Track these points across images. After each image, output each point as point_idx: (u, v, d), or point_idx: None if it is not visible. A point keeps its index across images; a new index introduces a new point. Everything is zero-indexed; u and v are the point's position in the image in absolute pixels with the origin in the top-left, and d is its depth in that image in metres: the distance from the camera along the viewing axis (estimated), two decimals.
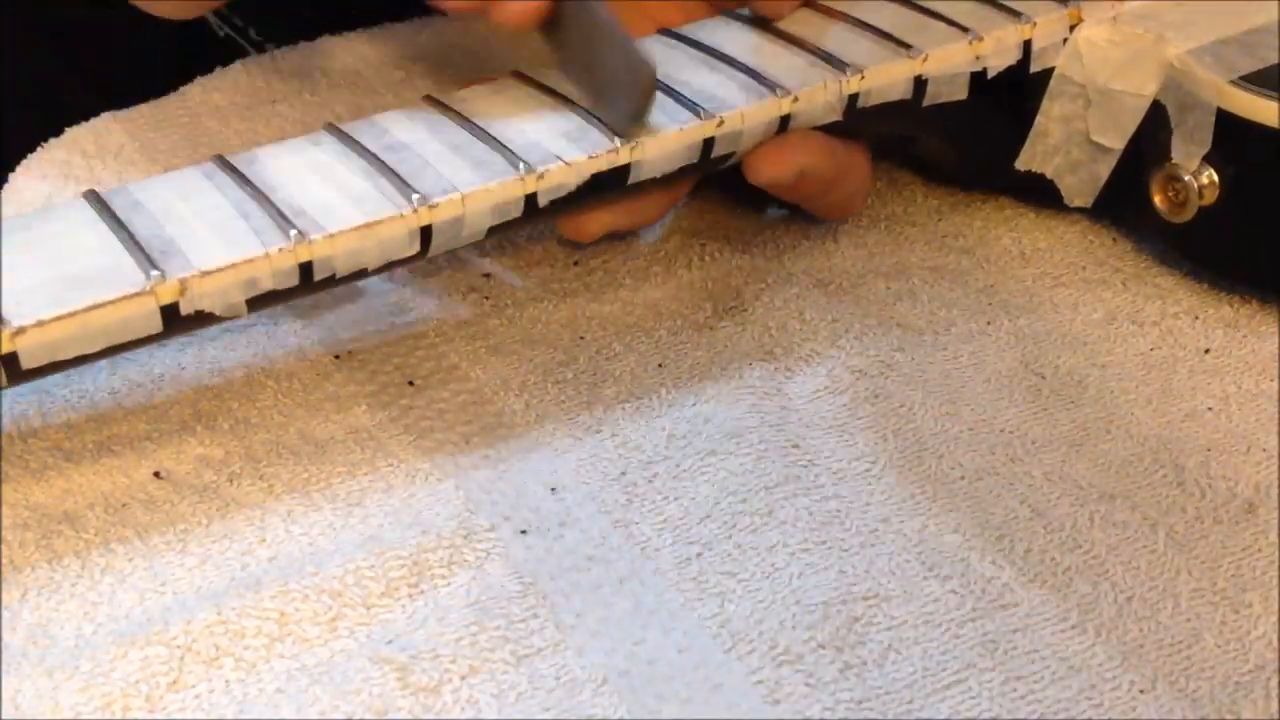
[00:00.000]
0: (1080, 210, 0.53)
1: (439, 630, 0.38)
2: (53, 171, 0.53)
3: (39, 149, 0.55)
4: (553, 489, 0.42)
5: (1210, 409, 0.45)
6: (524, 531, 0.41)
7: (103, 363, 0.44)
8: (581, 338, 0.47)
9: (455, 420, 0.44)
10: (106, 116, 0.56)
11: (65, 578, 0.39)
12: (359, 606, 0.38)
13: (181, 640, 0.37)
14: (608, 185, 0.44)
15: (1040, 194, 0.52)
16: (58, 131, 0.55)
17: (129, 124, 0.56)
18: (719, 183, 0.53)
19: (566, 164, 0.43)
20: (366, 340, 0.47)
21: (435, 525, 0.40)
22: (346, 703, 0.36)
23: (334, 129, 0.44)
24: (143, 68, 0.56)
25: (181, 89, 0.58)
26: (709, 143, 0.45)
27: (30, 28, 0.62)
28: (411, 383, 0.45)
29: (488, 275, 0.50)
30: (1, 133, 0.55)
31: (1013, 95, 0.51)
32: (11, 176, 0.54)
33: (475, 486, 0.42)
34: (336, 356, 0.46)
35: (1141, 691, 0.37)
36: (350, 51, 0.60)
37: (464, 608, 0.38)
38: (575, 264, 0.50)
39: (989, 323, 0.48)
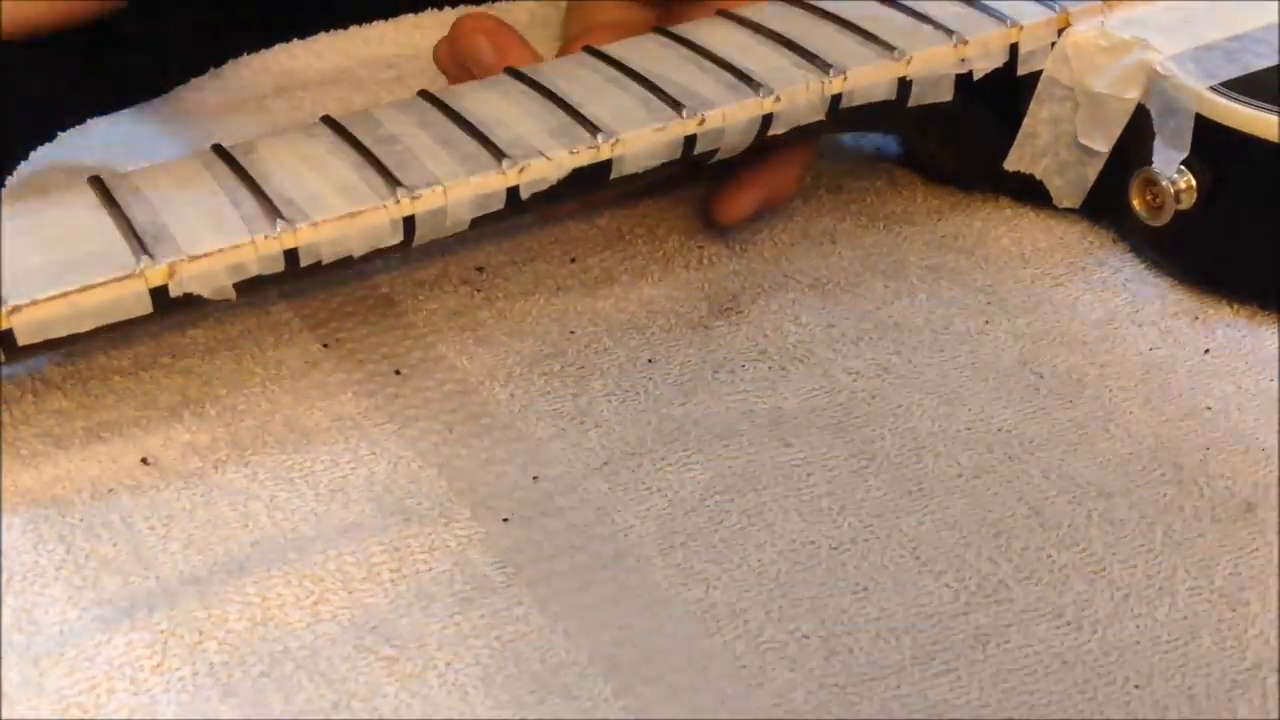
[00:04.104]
0: (1080, 211, 0.52)
1: (422, 618, 0.37)
2: (52, 171, 0.53)
3: (39, 149, 0.55)
4: (535, 477, 0.42)
5: (1210, 409, 0.45)
6: (506, 519, 0.40)
7: (93, 348, 0.45)
8: (572, 332, 0.47)
9: (440, 409, 0.44)
10: (106, 117, 0.56)
11: (50, 563, 0.39)
12: (341, 592, 0.38)
13: (165, 625, 0.37)
14: (589, 180, 0.45)
15: (1033, 195, 0.52)
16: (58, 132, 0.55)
17: (129, 124, 0.56)
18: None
19: (547, 159, 0.44)
20: (356, 329, 0.47)
21: (418, 512, 0.40)
22: (332, 690, 0.36)
23: (330, 121, 0.45)
24: (142, 68, 0.57)
25: (177, 89, 0.58)
26: (690, 140, 0.45)
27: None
28: (398, 372, 0.45)
29: (480, 269, 0.50)
30: (1, 133, 0.56)
31: (1004, 97, 0.50)
32: (11, 178, 0.54)
33: (457, 474, 0.42)
34: (325, 345, 0.46)
35: (1137, 687, 0.36)
36: (343, 50, 0.60)
37: (447, 595, 0.38)
38: (572, 261, 0.50)
39: (987, 322, 0.48)
